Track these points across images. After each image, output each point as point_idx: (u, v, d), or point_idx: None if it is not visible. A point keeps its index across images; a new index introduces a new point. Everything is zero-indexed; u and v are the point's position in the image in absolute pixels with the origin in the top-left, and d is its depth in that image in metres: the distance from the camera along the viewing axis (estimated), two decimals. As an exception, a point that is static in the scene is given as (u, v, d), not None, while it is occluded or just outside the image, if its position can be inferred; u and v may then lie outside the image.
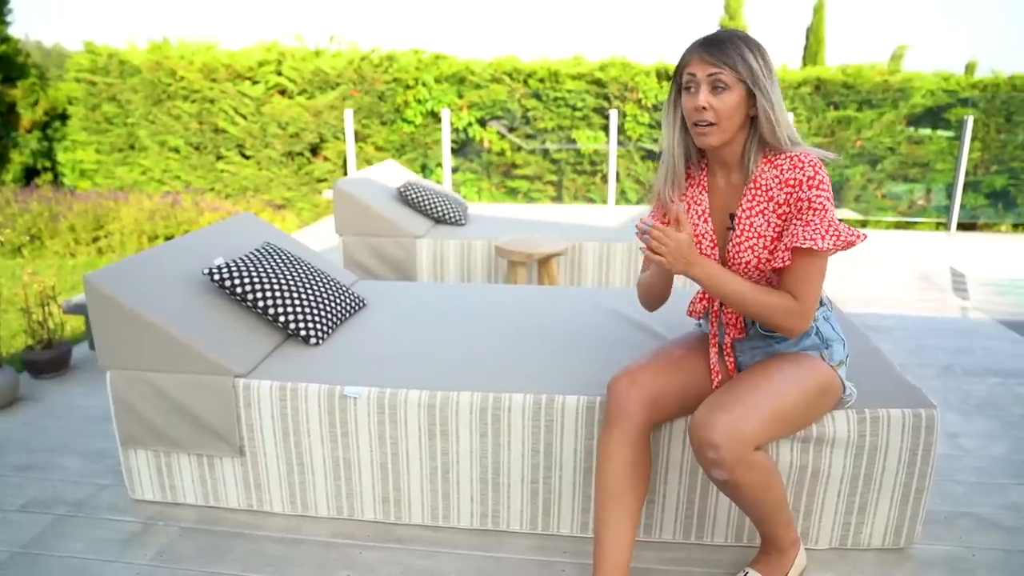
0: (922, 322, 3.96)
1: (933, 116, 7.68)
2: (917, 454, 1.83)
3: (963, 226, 7.62)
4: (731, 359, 1.80)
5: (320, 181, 8.40)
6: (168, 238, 6.13)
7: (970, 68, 11.98)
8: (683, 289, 3.21)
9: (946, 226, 7.32)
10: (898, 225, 7.68)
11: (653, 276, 1.78)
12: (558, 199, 8.28)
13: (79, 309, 3.35)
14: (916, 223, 7.71)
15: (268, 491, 2.09)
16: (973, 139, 7.34)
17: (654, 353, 1.81)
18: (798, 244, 1.55)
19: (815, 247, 1.54)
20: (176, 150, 8.35)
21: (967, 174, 7.18)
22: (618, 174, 8.00)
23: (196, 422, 2.03)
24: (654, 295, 1.81)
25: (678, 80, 1.66)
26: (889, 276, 4.98)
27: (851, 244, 1.57)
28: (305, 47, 8.32)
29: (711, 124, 1.59)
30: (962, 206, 7.28)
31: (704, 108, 1.58)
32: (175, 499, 2.15)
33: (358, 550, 1.96)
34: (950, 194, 7.38)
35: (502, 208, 5.06)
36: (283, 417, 2.00)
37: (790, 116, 1.66)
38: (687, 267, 1.57)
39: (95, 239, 6.20)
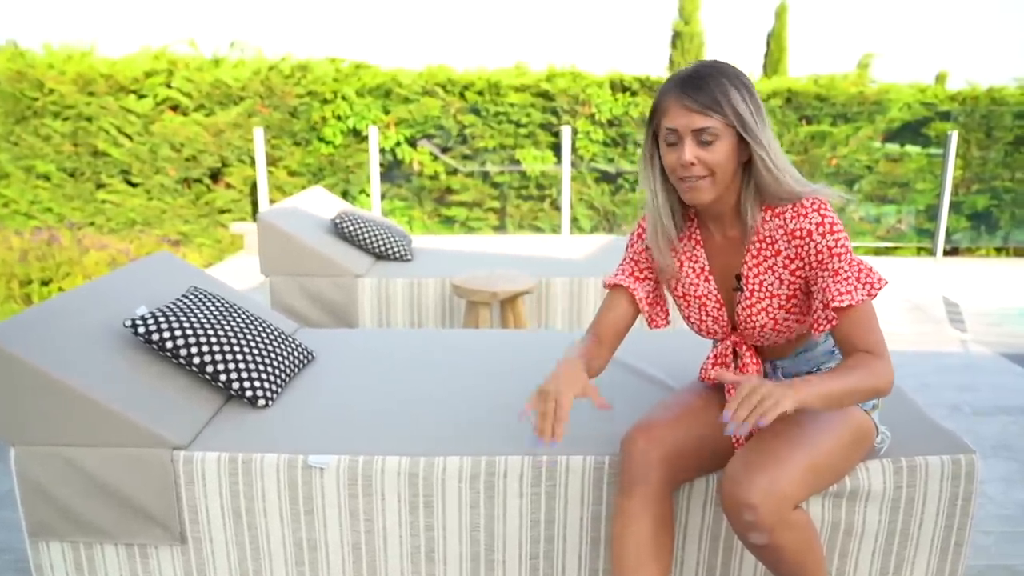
0: (923, 358, 4.15)
1: (911, 131, 8.10)
2: (956, 505, 1.92)
3: (945, 251, 8.04)
4: None
5: (223, 212, 8.27)
6: (45, 283, 5.91)
7: (941, 79, 12.75)
8: (675, 331, 3.29)
9: (930, 251, 7.71)
10: (878, 251, 8.04)
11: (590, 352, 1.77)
12: (501, 228, 8.36)
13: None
14: (897, 248, 8.08)
15: (214, 584, 2.03)
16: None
17: (669, 405, 1.85)
18: (839, 304, 1.57)
19: (855, 303, 1.56)
20: (46, 177, 8.09)
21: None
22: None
23: (125, 505, 1.97)
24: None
25: (653, 127, 1.67)
26: (881, 308, 5.20)
27: (880, 287, 1.62)
28: (201, 55, 8.24)
29: (702, 177, 1.60)
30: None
31: (692, 164, 1.59)
32: (97, 599, 2.07)
33: (327, 649, 1.92)
34: (932, 216, 7.77)
35: (449, 240, 5.09)
36: (233, 495, 1.96)
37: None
38: (792, 401, 1.42)
39: (-50, 286, 5.93)
